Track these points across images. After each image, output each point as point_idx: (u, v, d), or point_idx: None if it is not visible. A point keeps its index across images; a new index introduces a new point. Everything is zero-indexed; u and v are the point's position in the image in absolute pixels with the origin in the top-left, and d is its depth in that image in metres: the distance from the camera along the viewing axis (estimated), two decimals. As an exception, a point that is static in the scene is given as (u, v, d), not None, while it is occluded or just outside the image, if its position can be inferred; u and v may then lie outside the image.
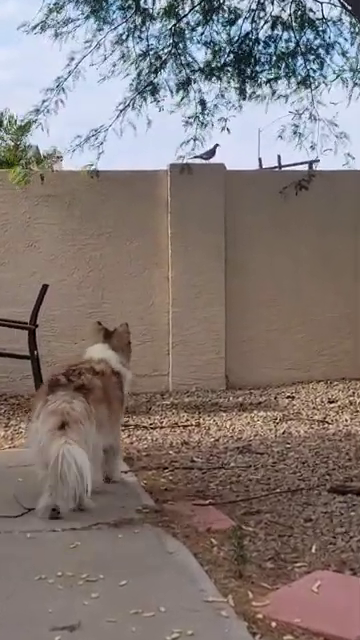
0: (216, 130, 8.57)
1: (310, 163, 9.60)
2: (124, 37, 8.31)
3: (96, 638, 2.67)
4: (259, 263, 8.86)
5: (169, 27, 8.39)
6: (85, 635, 2.70)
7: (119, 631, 2.73)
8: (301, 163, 10.04)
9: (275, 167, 11.00)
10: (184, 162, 8.53)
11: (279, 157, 11.21)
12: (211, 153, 8.78)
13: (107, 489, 4.61)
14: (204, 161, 8.80)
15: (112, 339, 5.01)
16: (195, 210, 8.67)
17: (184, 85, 8.52)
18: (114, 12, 8.22)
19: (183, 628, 2.73)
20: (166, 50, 8.43)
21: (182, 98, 8.56)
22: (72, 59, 8.09)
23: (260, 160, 12.01)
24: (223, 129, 8.61)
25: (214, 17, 8.51)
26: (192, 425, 6.83)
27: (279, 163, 11.11)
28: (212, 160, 8.89)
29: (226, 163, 8.91)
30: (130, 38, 8.34)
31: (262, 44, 8.62)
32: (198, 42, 8.59)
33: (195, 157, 8.61)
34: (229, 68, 8.58)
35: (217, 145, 8.90)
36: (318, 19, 8.53)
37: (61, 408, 4.24)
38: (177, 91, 8.52)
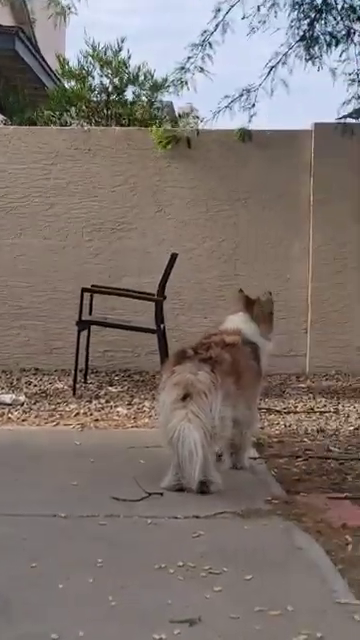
0: None
1: None
2: None
3: (217, 634, 2.69)
4: None
5: None
6: (206, 630, 2.73)
7: (242, 628, 2.75)
8: None
9: None
10: (336, 121, 8.31)
11: None
12: (361, 112, 8.60)
13: (234, 476, 4.65)
14: (354, 120, 8.62)
15: (253, 308, 5.13)
16: (341, 175, 8.56)
17: (346, 36, 8.19)
18: None
19: (311, 630, 2.72)
20: None
21: (342, 52, 8.22)
22: (219, 10, 7.90)
23: None
24: None
25: None
26: (330, 411, 6.79)
27: None
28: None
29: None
30: None
31: None
32: None
33: (345, 116, 8.42)
34: None
35: None
36: None
37: (186, 379, 4.40)
38: (336, 45, 8.22)
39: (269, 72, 8.09)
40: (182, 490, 4.31)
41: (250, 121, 8.29)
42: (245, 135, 8.44)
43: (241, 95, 8.17)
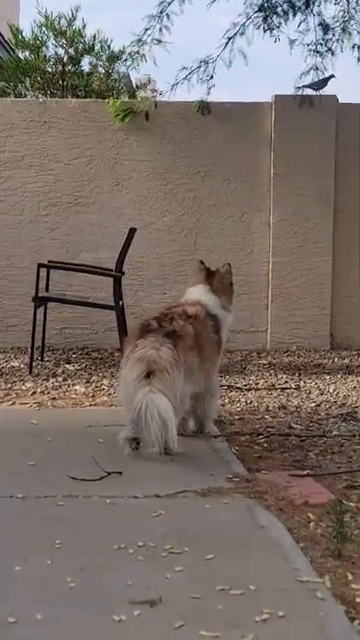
0: (339, 59, 8.18)
1: None
2: None
3: (178, 615, 2.69)
4: (373, 210, 8.73)
5: None
6: (166, 611, 2.73)
7: (204, 608, 2.76)
8: None
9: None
10: (296, 93, 8.29)
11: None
12: (322, 83, 8.52)
13: (195, 454, 4.66)
14: (314, 91, 8.59)
15: (213, 280, 5.27)
16: (302, 148, 8.57)
17: (304, 6, 8.14)
18: None
19: (274, 609, 2.74)
20: None
21: (300, 22, 8.22)
22: None
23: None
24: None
25: None
26: (291, 388, 6.82)
27: None
28: (323, 91, 8.66)
29: (339, 96, 8.69)
30: None
31: None
32: None
33: (303, 86, 8.39)
34: None
35: (332, 76, 8.43)
36: None
37: (148, 355, 4.54)
38: (294, 15, 8.16)
39: (227, 43, 8.05)
40: (138, 441, 4.53)
41: (209, 93, 8.29)
42: (204, 108, 8.41)
43: (199, 67, 8.12)
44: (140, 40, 7.95)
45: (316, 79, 8.33)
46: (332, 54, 8.24)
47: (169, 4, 7.87)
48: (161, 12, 7.88)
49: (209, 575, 3.02)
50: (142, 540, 3.31)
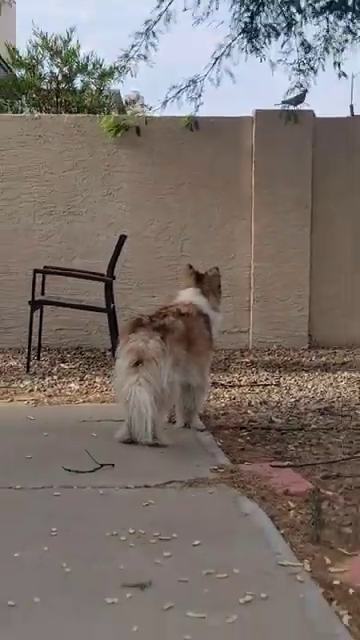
0: (321, 76, 8.19)
1: None
2: None
3: (167, 597, 2.69)
4: (348, 218, 8.74)
5: None
6: (156, 594, 2.73)
7: (191, 591, 2.76)
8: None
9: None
10: (276, 108, 8.32)
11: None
12: (300, 99, 8.54)
13: (182, 447, 4.66)
14: (292, 107, 8.60)
15: (203, 283, 5.36)
16: (281, 160, 8.59)
17: (287, 28, 8.12)
18: None
19: (257, 591, 2.74)
20: None
21: (283, 43, 8.20)
22: (162, 0, 7.83)
23: (352, 107, 11.72)
24: (341, 76, 8.30)
25: None
26: (272, 384, 6.83)
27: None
28: (300, 106, 8.68)
29: (318, 110, 8.73)
30: None
31: None
32: None
33: (283, 102, 8.41)
34: (338, 6, 8.03)
35: (306, 91, 8.51)
36: None
37: (138, 347, 4.64)
38: (277, 36, 8.15)
39: (214, 63, 8.06)
40: (132, 443, 4.58)
41: (197, 110, 8.27)
42: (193, 124, 8.42)
43: (188, 85, 8.12)
44: (127, 55, 7.96)
45: (297, 95, 8.34)
46: (314, 72, 8.26)
47: (155, 23, 7.86)
48: (147, 30, 7.87)
49: (196, 560, 3.01)
50: (133, 528, 3.30)
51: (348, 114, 11.04)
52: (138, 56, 7.85)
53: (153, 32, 7.86)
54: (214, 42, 8.06)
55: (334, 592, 2.82)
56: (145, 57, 7.86)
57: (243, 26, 8.06)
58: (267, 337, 8.65)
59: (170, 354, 4.66)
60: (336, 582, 2.89)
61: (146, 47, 7.86)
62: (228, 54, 8.02)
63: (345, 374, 7.23)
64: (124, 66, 7.97)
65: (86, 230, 8.59)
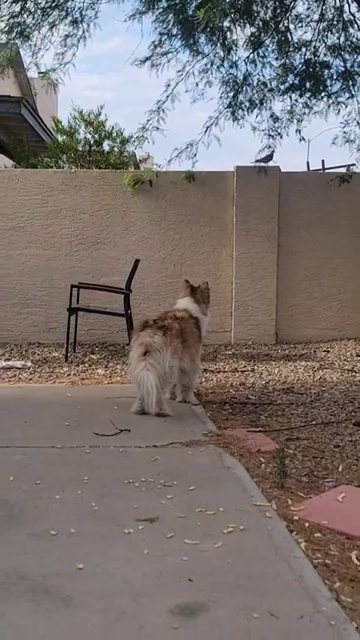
0: (285, 140, 8.11)
1: (348, 166, 9.37)
2: (209, 67, 7.90)
3: (169, 529, 2.70)
4: (304, 247, 8.74)
5: (246, 56, 7.98)
6: (161, 526, 2.73)
7: (187, 524, 2.76)
8: (341, 166, 9.81)
9: (319, 169, 10.76)
10: (251, 165, 8.35)
11: (323, 161, 10.96)
12: (269, 158, 8.58)
13: (181, 417, 4.66)
14: (263, 164, 8.63)
15: (196, 293, 5.35)
16: (255, 204, 8.58)
17: (259, 103, 8.13)
18: (204, 44, 7.78)
19: (236, 524, 2.74)
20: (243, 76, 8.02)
21: (257, 115, 8.21)
22: (168, 85, 7.76)
23: (308, 164, 11.76)
24: (301, 140, 8.31)
25: (284, 47, 8.02)
26: (248, 371, 6.82)
27: (323, 166, 10.86)
28: (269, 164, 8.72)
29: (283, 166, 8.74)
30: (214, 68, 7.92)
31: (322, 67, 8.08)
32: (270, 67, 8.13)
33: (256, 160, 8.44)
34: (298, 87, 8.06)
35: (273, 151, 8.57)
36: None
37: (146, 341, 4.65)
38: (252, 109, 8.13)
39: (205, 130, 8.07)
40: (144, 413, 4.61)
41: (193, 166, 8.25)
42: (190, 177, 8.44)
43: (186, 147, 8.12)
44: (144, 127, 7.94)
45: (267, 155, 8.37)
46: (280, 137, 8.28)
47: (164, 102, 7.87)
48: (158, 108, 7.86)
49: (191, 501, 3.02)
50: (144, 477, 3.31)
51: (305, 169, 11.14)
52: (152, 128, 7.82)
53: (162, 109, 7.85)
54: (207, 114, 8.06)
55: (294, 525, 2.82)
56: (157, 128, 7.83)
57: (227, 103, 8.08)
58: (245, 335, 8.64)
59: (170, 346, 4.66)
60: (295, 518, 2.90)
61: (157, 121, 7.83)
62: (216, 124, 8.03)
63: (302, 363, 7.23)
64: (142, 136, 7.93)
65: (110, 255, 8.58)
